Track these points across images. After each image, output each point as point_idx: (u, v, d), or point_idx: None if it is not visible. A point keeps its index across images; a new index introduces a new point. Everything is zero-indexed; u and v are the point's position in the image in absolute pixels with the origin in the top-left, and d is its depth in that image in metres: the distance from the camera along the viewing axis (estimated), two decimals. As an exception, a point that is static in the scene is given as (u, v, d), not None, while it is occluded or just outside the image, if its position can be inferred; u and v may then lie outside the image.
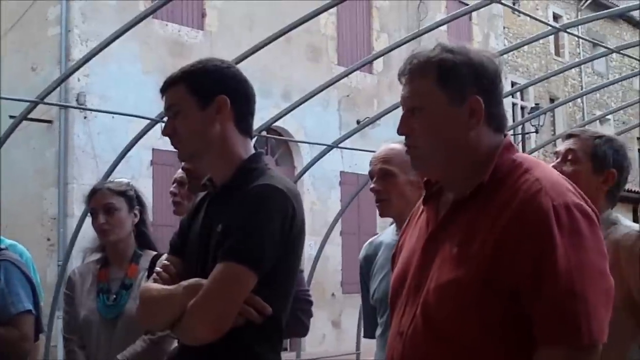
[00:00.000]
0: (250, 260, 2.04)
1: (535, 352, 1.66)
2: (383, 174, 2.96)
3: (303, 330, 3.12)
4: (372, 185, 3.00)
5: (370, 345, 3.43)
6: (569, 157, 2.76)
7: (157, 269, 2.27)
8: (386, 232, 3.20)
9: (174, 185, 3.63)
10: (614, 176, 2.74)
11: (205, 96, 2.19)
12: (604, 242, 2.60)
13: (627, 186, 3.00)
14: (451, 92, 1.80)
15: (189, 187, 3.35)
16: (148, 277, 3.26)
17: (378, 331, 3.07)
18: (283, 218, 2.09)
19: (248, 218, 2.07)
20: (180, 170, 3.63)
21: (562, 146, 2.82)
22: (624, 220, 2.78)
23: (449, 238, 1.79)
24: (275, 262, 2.08)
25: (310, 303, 3.14)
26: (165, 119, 2.33)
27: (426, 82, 1.82)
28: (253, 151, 2.27)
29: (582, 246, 1.67)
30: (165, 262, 2.27)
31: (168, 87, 2.24)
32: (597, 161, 2.73)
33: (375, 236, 3.28)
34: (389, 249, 3.03)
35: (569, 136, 2.84)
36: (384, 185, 2.95)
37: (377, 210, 3.02)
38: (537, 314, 1.66)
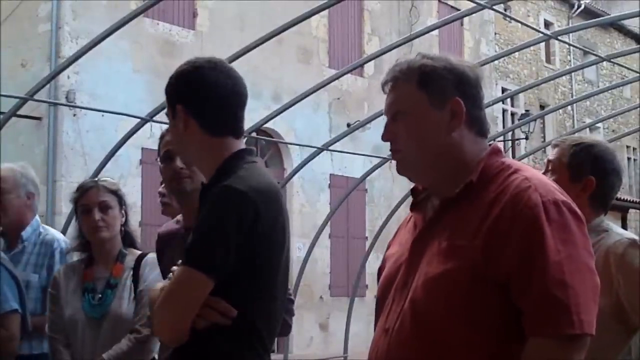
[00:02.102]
0: (202, 264, 2.04)
1: (525, 343, 1.67)
2: None
3: (286, 328, 3.12)
4: None
5: (357, 349, 3.43)
6: (549, 168, 2.80)
7: (173, 268, 2.30)
8: None
9: (162, 185, 3.61)
10: (592, 183, 2.73)
11: (171, 107, 2.25)
12: (595, 249, 2.62)
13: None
14: (432, 95, 1.86)
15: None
16: (134, 276, 3.27)
17: None
18: (239, 220, 2.05)
19: (202, 221, 2.08)
20: None
21: (549, 156, 2.86)
22: (616, 227, 2.79)
23: (438, 235, 1.82)
24: (237, 264, 2.06)
25: (292, 301, 3.15)
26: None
27: (408, 86, 1.88)
28: (236, 149, 2.24)
29: (571, 241, 1.71)
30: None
31: None
32: (573, 170, 2.74)
33: None
34: None
35: (553, 146, 2.87)
36: None
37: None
38: (526, 305, 1.68)
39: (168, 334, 2.12)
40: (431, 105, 1.85)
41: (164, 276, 2.77)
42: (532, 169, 1.86)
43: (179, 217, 2.96)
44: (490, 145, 1.92)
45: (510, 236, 1.69)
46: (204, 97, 2.21)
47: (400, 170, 1.94)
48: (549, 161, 2.81)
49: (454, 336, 1.73)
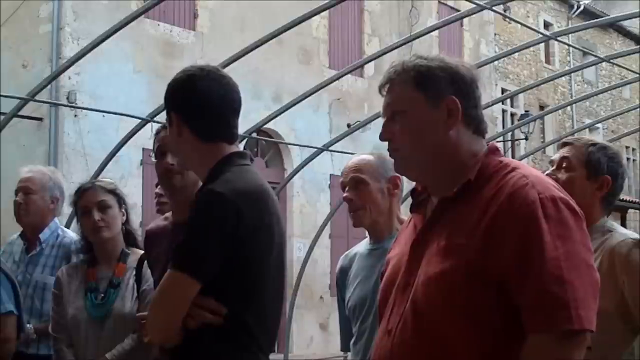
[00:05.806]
0: (188, 267, 2.11)
1: (524, 341, 1.67)
2: (355, 182, 2.98)
3: None
4: (345, 194, 3.02)
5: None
6: (564, 165, 2.78)
7: None
8: (361, 243, 3.22)
9: (159, 187, 3.63)
10: (608, 183, 2.75)
11: (168, 115, 2.34)
12: (600, 249, 2.63)
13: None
14: (428, 94, 1.88)
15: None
16: (136, 276, 3.29)
17: (352, 340, 3.08)
18: (222, 221, 2.12)
19: (188, 225, 2.16)
20: None
21: (557, 154, 2.85)
22: (620, 228, 2.80)
23: (437, 235, 1.83)
24: (223, 264, 2.12)
25: None
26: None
27: (405, 87, 1.90)
28: (227, 154, 2.29)
29: (568, 237, 1.70)
30: None
31: None
32: (591, 168, 2.75)
33: (351, 248, 3.31)
34: (363, 259, 3.05)
35: (563, 144, 2.86)
36: (357, 194, 2.98)
37: (351, 221, 3.05)
38: (525, 302, 1.68)
39: (158, 334, 2.21)
40: (428, 104, 1.87)
41: (152, 272, 2.82)
42: (529, 167, 1.86)
43: (168, 214, 2.95)
44: (487, 144, 1.93)
45: (508, 233, 1.70)
46: (195, 105, 2.27)
47: (399, 169, 1.97)
48: (563, 158, 2.79)
49: (455, 336, 1.73)
